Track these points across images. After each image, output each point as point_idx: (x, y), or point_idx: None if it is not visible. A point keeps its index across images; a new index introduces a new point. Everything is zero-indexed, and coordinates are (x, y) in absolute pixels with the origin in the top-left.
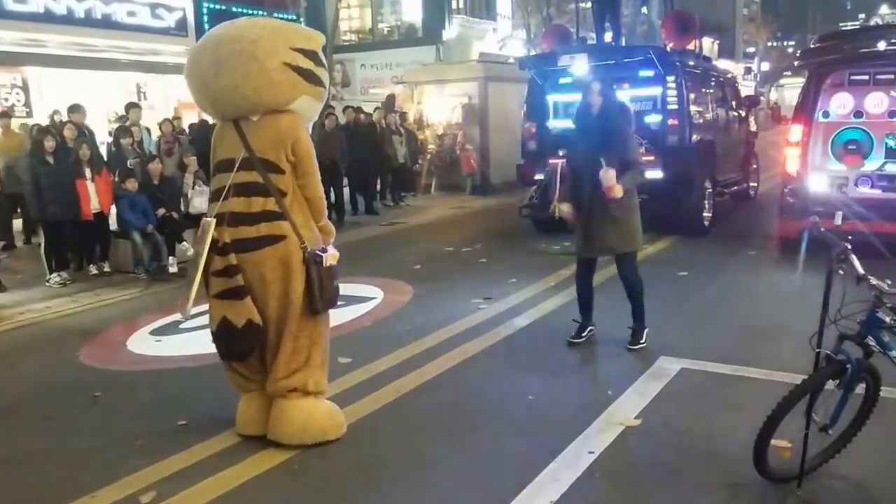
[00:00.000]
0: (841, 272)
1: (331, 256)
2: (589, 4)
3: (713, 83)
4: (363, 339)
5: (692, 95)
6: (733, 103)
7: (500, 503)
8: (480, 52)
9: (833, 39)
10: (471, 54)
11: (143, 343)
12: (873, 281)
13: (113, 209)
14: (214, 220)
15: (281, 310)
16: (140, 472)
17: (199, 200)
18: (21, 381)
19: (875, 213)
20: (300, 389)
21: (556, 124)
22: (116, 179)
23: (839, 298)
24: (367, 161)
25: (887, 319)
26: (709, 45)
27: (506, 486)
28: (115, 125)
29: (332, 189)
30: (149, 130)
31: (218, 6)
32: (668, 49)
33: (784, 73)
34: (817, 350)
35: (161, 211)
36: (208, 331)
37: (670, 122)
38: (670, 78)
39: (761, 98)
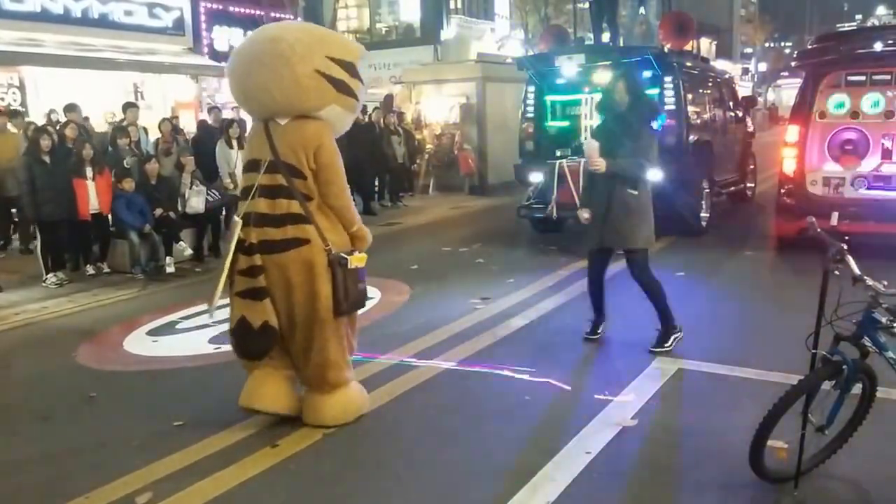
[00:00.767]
0: (837, 273)
1: (356, 259)
2: (587, 5)
3: (711, 84)
4: (360, 339)
5: (690, 96)
6: (731, 104)
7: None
8: (478, 52)
9: (830, 40)
10: (469, 54)
11: (139, 343)
12: (869, 282)
13: None
14: (241, 221)
15: (308, 311)
16: (136, 473)
17: (196, 200)
18: (17, 382)
19: (871, 213)
20: (340, 385)
21: (554, 125)
22: (113, 179)
23: (835, 299)
24: (364, 161)
25: (883, 320)
26: (706, 45)
27: (502, 487)
28: (111, 125)
29: None
30: (146, 130)
31: (215, 6)
32: (666, 50)
33: (781, 74)
34: (813, 351)
35: (158, 211)
36: (205, 331)
37: (668, 122)
38: (668, 78)
39: (759, 98)
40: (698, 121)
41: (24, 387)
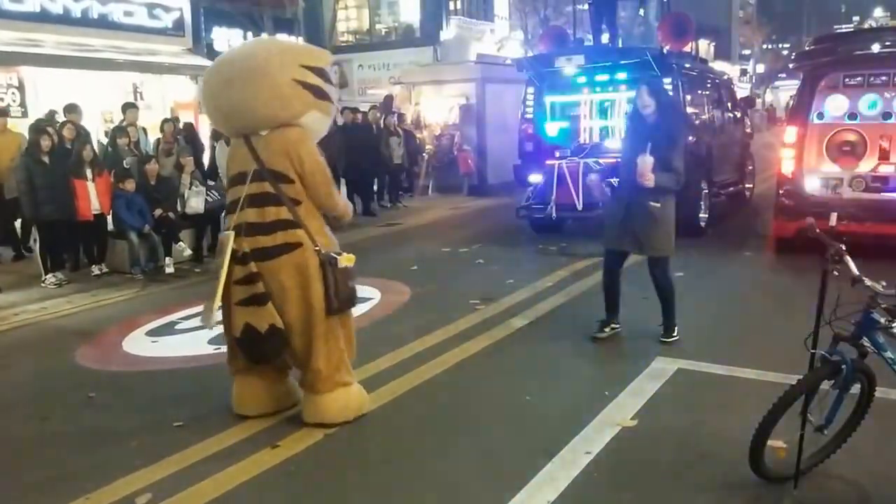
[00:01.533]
0: (836, 273)
1: (345, 258)
2: (586, 6)
3: (709, 85)
4: (360, 340)
5: (688, 97)
6: (729, 105)
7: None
8: (478, 53)
9: (828, 42)
10: (468, 55)
11: (139, 344)
12: (868, 282)
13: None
14: (233, 233)
15: (303, 314)
16: (136, 474)
17: (195, 201)
18: (16, 383)
19: (870, 214)
20: (339, 385)
21: (554, 125)
22: (112, 179)
23: (834, 299)
24: (364, 162)
25: (882, 320)
26: (705, 47)
27: (503, 487)
28: (111, 125)
29: None
30: (145, 130)
31: (215, 6)
32: (665, 51)
33: (779, 76)
34: (812, 351)
35: (158, 211)
36: (204, 332)
37: None
38: (667, 80)
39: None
40: (697, 122)
41: (24, 387)
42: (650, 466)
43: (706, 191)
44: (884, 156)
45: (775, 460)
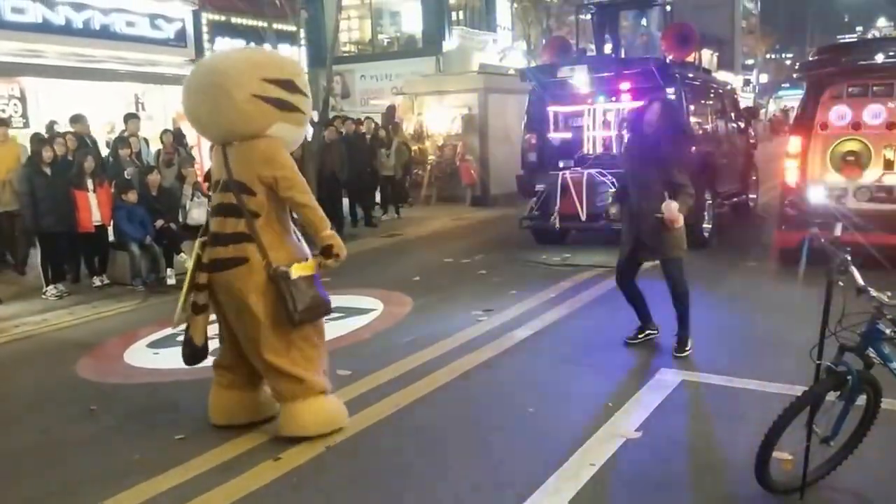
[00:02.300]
0: (841, 283)
1: (298, 268)
2: (589, 16)
3: (712, 95)
4: (362, 352)
5: (692, 107)
6: (732, 115)
7: None
8: (480, 63)
9: (831, 52)
10: (471, 65)
11: (140, 356)
12: (873, 292)
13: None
14: (198, 241)
15: (253, 328)
16: (137, 487)
17: (197, 212)
18: (17, 395)
19: (874, 224)
20: (305, 396)
21: (557, 136)
22: (114, 190)
23: (839, 310)
24: (364, 173)
25: (887, 331)
26: (708, 56)
27: (507, 499)
28: (112, 136)
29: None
30: (147, 141)
31: (218, 17)
32: (668, 61)
33: (782, 85)
34: (818, 362)
35: (159, 222)
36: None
37: None
38: (670, 90)
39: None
40: (700, 132)
41: (24, 400)
42: (654, 478)
43: (710, 201)
44: (888, 166)
45: (781, 472)
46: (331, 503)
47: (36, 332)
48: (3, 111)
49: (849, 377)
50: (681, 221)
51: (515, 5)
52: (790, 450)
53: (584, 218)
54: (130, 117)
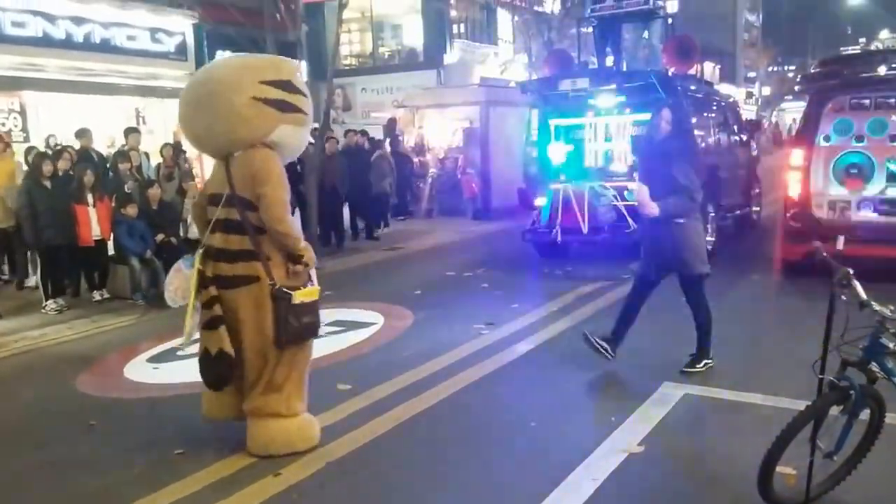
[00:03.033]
0: (843, 297)
1: (302, 293)
2: (590, 29)
3: (714, 107)
4: (363, 366)
5: (694, 120)
6: (735, 127)
7: None
8: (481, 76)
9: (834, 64)
10: (472, 78)
11: (140, 370)
12: (876, 306)
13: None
14: (201, 252)
15: (257, 344)
16: (137, 502)
17: None
18: (16, 410)
19: (878, 237)
20: (273, 414)
21: (558, 148)
22: (114, 204)
23: (842, 324)
24: (366, 186)
25: (890, 345)
26: (710, 69)
27: None
28: (112, 150)
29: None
30: (147, 155)
31: (218, 30)
32: (670, 73)
33: (785, 98)
34: (820, 376)
35: (160, 236)
36: None
37: None
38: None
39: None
40: (703, 144)
41: (23, 414)
42: (657, 493)
43: (713, 214)
44: (891, 178)
45: (785, 487)
46: None
47: (35, 346)
48: (3, 125)
49: (852, 392)
50: (653, 210)
51: (516, 18)
52: (793, 464)
53: (585, 231)
54: (131, 131)
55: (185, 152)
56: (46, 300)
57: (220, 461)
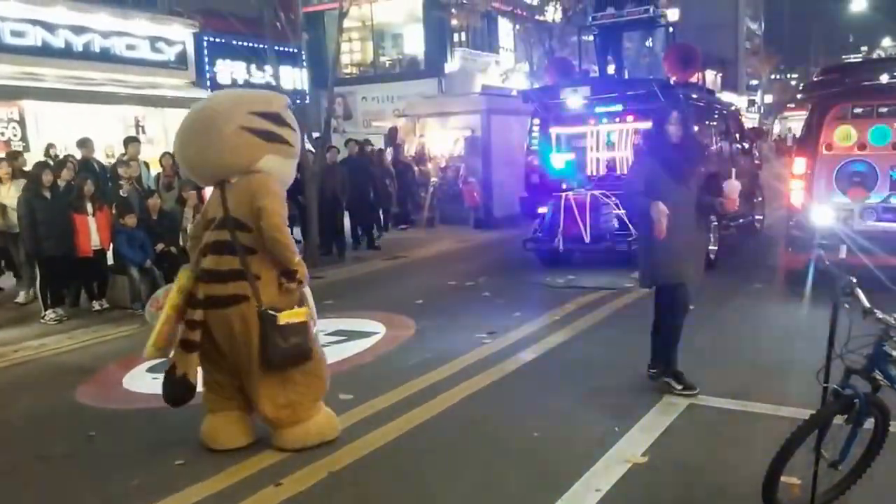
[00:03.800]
0: (847, 306)
1: (287, 315)
2: (591, 38)
3: (717, 116)
4: (365, 375)
5: (696, 128)
6: (737, 135)
7: None
8: (483, 84)
9: (836, 72)
10: (473, 87)
11: (140, 381)
12: (879, 314)
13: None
14: (187, 269)
15: (248, 362)
16: None
17: None
18: (15, 420)
19: (881, 246)
20: (295, 422)
21: (560, 157)
22: (114, 213)
23: (846, 332)
24: (367, 195)
25: (894, 353)
26: (712, 77)
27: None
28: (111, 160)
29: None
30: (147, 165)
31: (218, 39)
32: (671, 81)
33: (787, 106)
34: (824, 385)
35: (159, 246)
36: None
37: None
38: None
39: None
40: (705, 153)
41: (22, 425)
42: None
43: (715, 222)
44: (895, 186)
45: (789, 497)
46: None
47: (34, 356)
48: (2, 134)
49: (856, 400)
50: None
51: (517, 27)
52: (798, 474)
53: (588, 239)
54: (131, 140)
55: None
56: (46, 310)
57: (221, 472)
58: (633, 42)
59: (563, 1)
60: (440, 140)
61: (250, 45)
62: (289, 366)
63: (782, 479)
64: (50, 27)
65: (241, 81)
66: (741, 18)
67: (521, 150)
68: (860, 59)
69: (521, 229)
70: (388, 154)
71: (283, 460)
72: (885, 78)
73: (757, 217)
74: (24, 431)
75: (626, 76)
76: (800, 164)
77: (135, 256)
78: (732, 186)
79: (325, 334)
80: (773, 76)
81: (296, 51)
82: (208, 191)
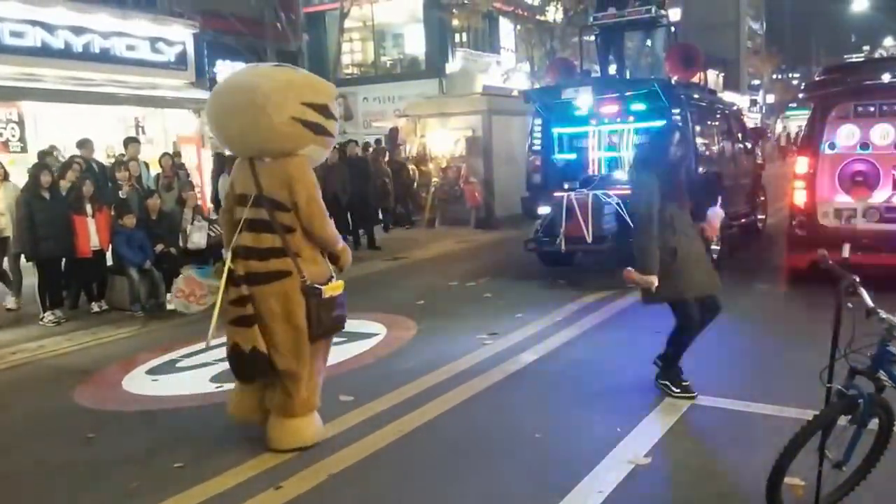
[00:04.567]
0: (850, 305)
1: (330, 287)
2: (593, 37)
3: (719, 116)
4: (366, 377)
5: (698, 128)
6: (739, 135)
7: None
8: (484, 84)
9: (838, 72)
10: (474, 87)
11: (139, 382)
12: (883, 314)
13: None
14: (229, 254)
15: (290, 337)
16: None
17: (197, 236)
18: (13, 423)
19: (884, 245)
20: (305, 411)
21: (562, 157)
22: (113, 214)
23: (849, 332)
24: (369, 195)
25: None
26: (714, 77)
27: None
28: (111, 160)
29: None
30: (147, 165)
31: (219, 40)
32: (673, 81)
33: (790, 105)
34: (828, 385)
35: (159, 247)
36: (206, 369)
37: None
38: (675, 110)
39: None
40: (707, 153)
41: (20, 428)
42: None
43: None
44: None
45: (793, 498)
46: None
47: (33, 358)
48: (1, 135)
49: (860, 400)
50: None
51: (519, 27)
52: (802, 475)
53: (589, 240)
54: (130, 141)
55: (184, 164)
56: (44, 312)
57: (220, 474)
58: (634, 42)
59: (564, 1)
60: (441, 140)
61: (251, 45)
62: (329, 334)
63: (786, 480)
64: (49, 28)
65: None
66: (743, 18)
67: (523, 151)
68: (862, 59)
69: (523, 230)
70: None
71: (284, 462)
72: (886, 77)
73: (759, 217)
74: (22, 434)
75: (628, 76)
76: (802, 163)
77: (134, 257)
78: (716, 214)
79: None
80: (774, 76)
81: (296, 51)
82: (207, 191)
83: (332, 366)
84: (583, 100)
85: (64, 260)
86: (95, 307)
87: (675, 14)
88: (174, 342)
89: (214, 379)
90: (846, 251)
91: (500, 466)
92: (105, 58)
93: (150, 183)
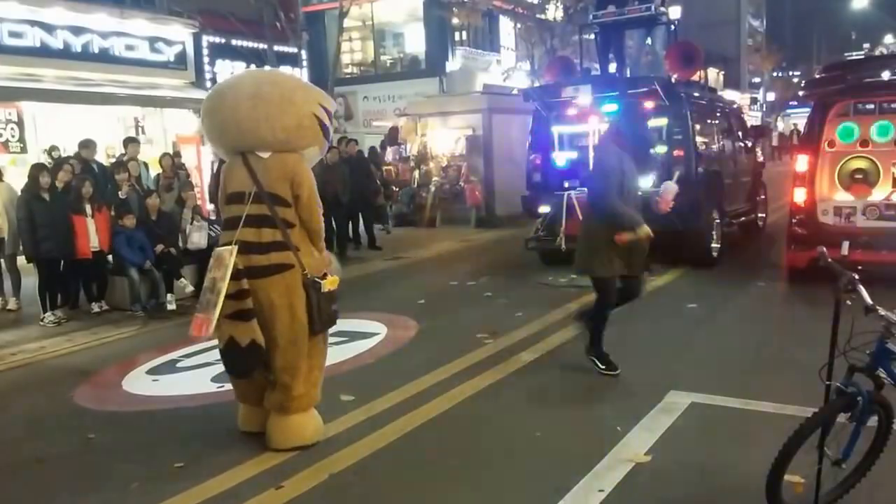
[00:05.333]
0: (849, 303)
1: (328, 282)
2: (593, 36)
3: (719, 114)
4: (366, 376)
5: (698, 126)
6: (739, 133)
7: None
8: (484, 83)
9: (838, 69)
10: (474, 86)
11: (139, 383)
12: (882, 312)
13: None
14: (236, 247)
15: (289, 331)
16: None
17: (197, 236)
18: (13, 423)
19: (884, 242)
20: (303, 408)
21: (561, 156)
22: (113, 214)
23: (848, 330)
24: (366, 195)
25: None
26: (714, 75)
27: None
28: (111, 160)
29: (332, 222)
30: (146, 165)
31: (218, 39)
32: (673, 80)
33: (790, 103)
34: (827, 382)
35: (159, 247)
36: (206, 369)
37: (676, 152)
38: (675, 109)
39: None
40: (707, 151)
41: (22, 428)
42: (665, 503)
43: (718, 220)
44: None
45: (793, 495)
46: None
47: (33, 359)
48: (0, 135)
49: (859, 398)
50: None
51: (518, 25)
52: (801, 473)
53: None
54: (130, 141)
55: (184, 163)
56: (44, 312)
57: (221, 474)
58: (634, 40)
59: None
60: (442, 139)
61: (250, 45)
62: (326, 328)
63: (786, 477)
64: (48, 28)
65: None
66: (743, 16)
67: (523, 149)
68: (862, 56)
69: (523, 228)
70: (389, 154)
71: (284, 462)
72: (887, 75)
73: (759, 215)
74: (23, 434)
75: (628, 74)
76: (802, 161)
77: (134, 258)
78: (669, 188)
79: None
80: (775, 74)
81: (296, 51)
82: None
83: (333, 365)
84: (582, 98)
85: (65, 260)
86: (95, 307)
87: (675, 12)
88: (174, 342)
89: (215, 379)
90: (845, 249)
91: (500, 465)
92: (104, 58)
93: (150, 183)
